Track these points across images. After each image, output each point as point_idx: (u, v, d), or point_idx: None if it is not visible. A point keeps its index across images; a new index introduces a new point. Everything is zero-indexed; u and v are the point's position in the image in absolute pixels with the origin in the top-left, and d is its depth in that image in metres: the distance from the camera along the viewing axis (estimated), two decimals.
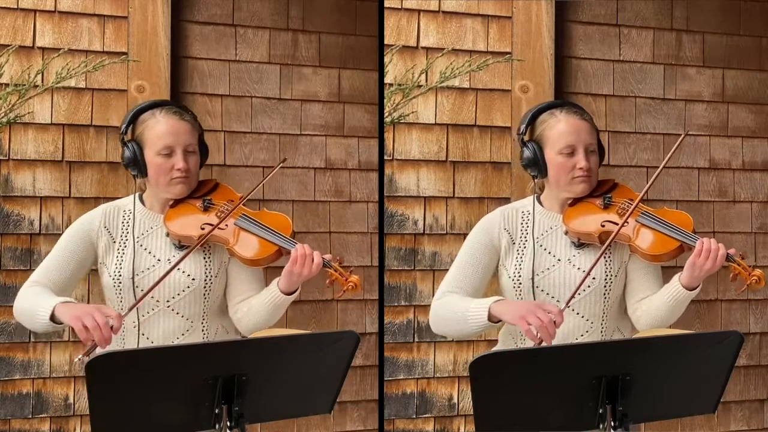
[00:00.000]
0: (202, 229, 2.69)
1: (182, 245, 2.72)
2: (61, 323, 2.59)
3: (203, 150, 2.80)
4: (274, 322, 2.71)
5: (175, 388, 2.11)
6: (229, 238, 2.70)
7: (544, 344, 2.56)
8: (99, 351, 2.45)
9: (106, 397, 2.05)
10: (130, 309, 2.62)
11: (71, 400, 3.47)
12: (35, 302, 2.63)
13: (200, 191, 2.78)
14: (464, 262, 2.83)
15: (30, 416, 3.44)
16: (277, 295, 2.66)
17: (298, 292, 2.68)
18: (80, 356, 2.47)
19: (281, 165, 2.90)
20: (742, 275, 2.63)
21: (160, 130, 2.71)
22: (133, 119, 2.76)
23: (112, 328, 2.50)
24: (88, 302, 3.33)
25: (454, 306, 2.75)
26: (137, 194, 2.79)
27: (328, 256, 2.65)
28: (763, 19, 4.02)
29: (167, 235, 2.73)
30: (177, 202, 2.75)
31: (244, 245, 2.69)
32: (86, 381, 2.04)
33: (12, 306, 2.74)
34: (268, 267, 2.75)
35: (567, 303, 2.67)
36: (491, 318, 2.66)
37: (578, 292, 2.70)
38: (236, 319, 2.75)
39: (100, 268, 2.76)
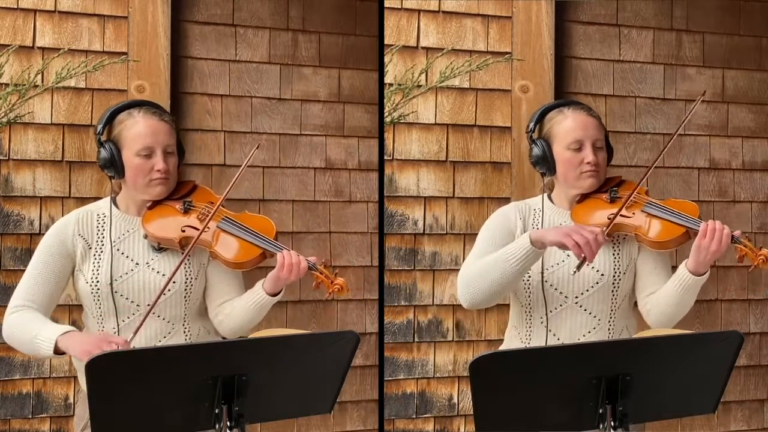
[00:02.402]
0: (183, 231, 2.65)
1: (161, 247, 2.68)
2: (64, 354, 2.54)
3: (181, 151, 2.75)
4: (256, 323, 2.69)
5: (175, 388, 2.11)
6: (210, 241, 2.66)
7: (552, 343, 2.59)
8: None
9: (106, 397, 2.05)
10: (135, 333, 2.57)
11: (71, 400, 3.47)
12: (31, 332, 2.56)
13: (179, 193, 2.73)
14: (481, 245, 2.80)
15: (30, 416, 3.44)
16: (262, 296, 2.64)
17: (282, 293, 2.67)
18: None
19: (254, 152, 2.76)
20: (749, 256, 2.62)
21: (139, 130, 2.66)
22: (110, 119, 2.70)
23: None
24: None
25: (488, 258, 2.71)
26: (111, 197, 2.74)
27: (313, 259, 2.63)
28: (763, 19, 4.02)
29: (145, 237, 2.68)
30: (155, 204, 2.69)
31: (228, 248, 2.65)
32: (86, 381, 2.04)
33: None
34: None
35: (605, 229, 2.68)
36: (534, 243, 2.63)
37: (587, 288, 2.73)
38: (217, 322, 2.73)
39: (76, 275, 2.69)
